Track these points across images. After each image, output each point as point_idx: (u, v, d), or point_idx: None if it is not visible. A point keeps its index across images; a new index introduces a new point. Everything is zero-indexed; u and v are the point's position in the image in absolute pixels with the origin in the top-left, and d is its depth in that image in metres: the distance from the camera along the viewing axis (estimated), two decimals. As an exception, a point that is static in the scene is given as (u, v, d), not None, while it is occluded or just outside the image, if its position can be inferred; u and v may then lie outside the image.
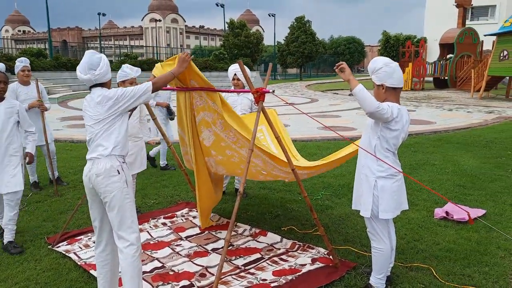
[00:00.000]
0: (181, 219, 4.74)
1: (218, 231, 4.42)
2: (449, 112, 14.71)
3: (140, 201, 5.40)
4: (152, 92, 2.93)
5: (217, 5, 46.75)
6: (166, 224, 4.59)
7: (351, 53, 56.35)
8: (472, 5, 27.36)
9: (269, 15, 49.44)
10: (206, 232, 4.39)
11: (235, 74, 5.24)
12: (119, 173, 2.85)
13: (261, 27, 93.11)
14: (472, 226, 4.44)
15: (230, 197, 5.61)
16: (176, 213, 4.93)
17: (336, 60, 43.34)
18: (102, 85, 2.88)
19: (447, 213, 4.75)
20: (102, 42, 74.59)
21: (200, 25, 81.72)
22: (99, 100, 2.81)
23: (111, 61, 28.79)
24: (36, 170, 6.12)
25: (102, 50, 51.50)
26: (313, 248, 3.92)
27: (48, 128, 5.99)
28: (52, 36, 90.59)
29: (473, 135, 10.09)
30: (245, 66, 3.40)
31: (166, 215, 4.83)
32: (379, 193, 3.02)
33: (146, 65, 27.05)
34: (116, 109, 2.82)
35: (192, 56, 3.10)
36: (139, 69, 4.69)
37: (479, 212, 4.84)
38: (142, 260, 3.70)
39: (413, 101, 18.70)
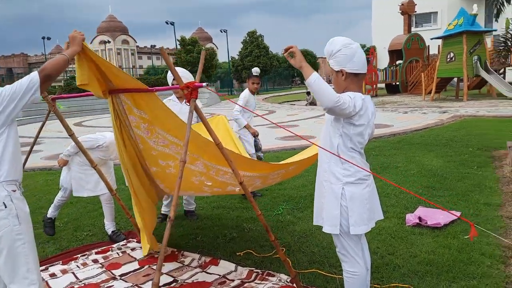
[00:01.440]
0: (117, 253, 3.96)
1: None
2: (405, 115, 14.67)
3: (70, 234, 4.57)
4: (43, 82, 2.21)
5: (167, 23, 45.94)
6: (98, 261, 3.79)
7: (305, 65, 56.73)
8: (415, 12, 28.21)
9: (221, 31, 49.23)
10: (146, 266, 3.64)
11: (174, 79, 4.59)
12: (5, 207, 2.13)
13: (214, 44, 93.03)
14: (449, 231, 3.97)
15: (178, 221, 4.87)
16: (112, 245, 4.14)
17: (290, 73, 43.50)
18: None
19: (420, 218, 4.27)
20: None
21: (152, 45, 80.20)
22: None
23: (60, 86, 27.26)
24: None
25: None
26: (273, 276, 3.28)
27: None
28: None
29: (432, 135, 9.90)
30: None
31: (99, 250, 4.04)
32: (348, 203, 2.44)
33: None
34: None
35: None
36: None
37: (454, 215, 4.39)
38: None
39: (368, 107, 18.65)
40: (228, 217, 4.88)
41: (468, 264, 3.33)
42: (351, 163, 2.40)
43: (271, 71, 43.17)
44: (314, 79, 2.26)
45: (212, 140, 2.59)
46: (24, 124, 17.07)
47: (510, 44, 7.49)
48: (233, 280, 3.27)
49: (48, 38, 59.26)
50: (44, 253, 4.03)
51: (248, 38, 42.03)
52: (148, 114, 2.79)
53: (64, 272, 3.58)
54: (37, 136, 3.79)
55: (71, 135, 3.42)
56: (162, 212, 4.92)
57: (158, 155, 3.09)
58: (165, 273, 3.47)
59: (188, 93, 2.43)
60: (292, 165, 3.41)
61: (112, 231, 4.39)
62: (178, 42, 39.05)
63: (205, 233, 4.39)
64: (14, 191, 2.19)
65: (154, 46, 77.06)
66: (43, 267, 3.65)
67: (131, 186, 3.37)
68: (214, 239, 4.23)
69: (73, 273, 3.56)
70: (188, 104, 2.49)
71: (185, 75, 4.59)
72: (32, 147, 3.78)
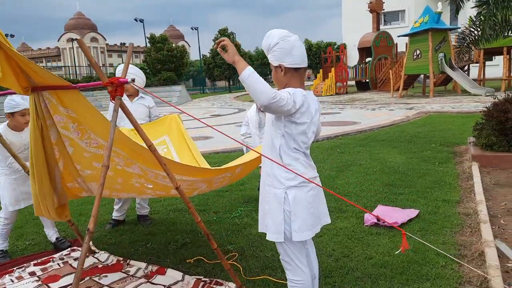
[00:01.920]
0: (58, 264, 3.68)
1: (104, 274, 3.43)
2: (372, 112, 14.76)
3: (11, 244, 4.24)
4: None
5: (136, 20, 45.04)
6: (35, 274, 3.51)
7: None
8: (383, 9, 28.55)
9: (192, 29, 48.57)
10: (87, 278, 3.38)
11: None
12: None
13: (186, 42, 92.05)
14: (406, 230, 3.89)
15: (130, 226, 4.62)
16: (54, 256, 3.86)
17: (263, 71, 43.38)
18: None
19: (378, 218, 4.17)
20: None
21: (122, 42, 78.23)
22: None
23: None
24: None
25: (13, 74, 47.25)
26: (221, 284, 3.09)
27: None
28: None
29: (397, 131, 9.94)
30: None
31: (39, 261, 3.75)
32: (291, 208, 2.27)
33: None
34: None
35: None
36: None
37: (412, 213, 4.33)
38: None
39: (338, 104, 18.74)
40: (182, 221, 4.66)
41: (422, 265, 3.24)
42: (289, 169, 2.25)
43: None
44: (248, 74, 2.08)
45: (145, 145, 2.37)
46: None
47: (469, 41, 7.51)
48: (178, 291, 3.07)
49: (12, 36, 57.01)
50: (-23, 266, 3.71)
51: (219, 35, 41.52)
52: (76, 113, 2.55)
53: (-4, 287, 3.29)
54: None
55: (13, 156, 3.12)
56: (113, 217, 4.65)
57: (92, 158, 2.85)
58: (106, 285, 3.24)
59: (113, 90, 2.20)
60: (237, 167, 3.23)
61: (56, 238, 4.10)
62: (147, 40, 38.25)
63: (157, 239, 4.16)
64: None
65: (124, 43, 75.27)
66: (-28, 283, 3.36)
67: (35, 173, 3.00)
68: (165, 245, 4.01)
69: (5, 287, 3.28)
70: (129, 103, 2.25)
71: (138, 74, 4.35)
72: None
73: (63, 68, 62.20)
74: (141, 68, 32.66)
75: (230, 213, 4.83)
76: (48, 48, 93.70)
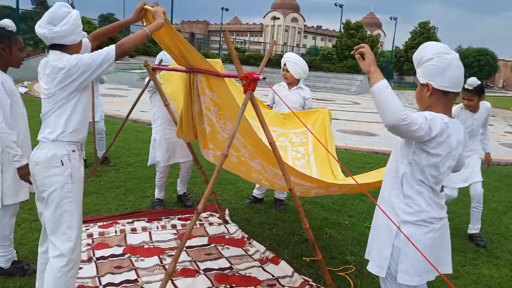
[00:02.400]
0: (196, 224, 4.14)
1: (227, 246, 3.71)
2: None
3: (169, 194, 4.94)
4: (118, 58, 2.31)
5: (335, 5, 45.43)
6: (176, 227, 4.02)
7: (481, 66, 50.20)
8: None
9: (391, 19, 46.52)
10: (213, 245, 3.72)
11: (284, 64, 4.48)
12: (62, 165, 2.31)
13: (382, 31, 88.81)
14: None
15: (266, 206, 4.85)
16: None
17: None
18: (62, 48, 2.30)
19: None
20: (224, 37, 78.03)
21: (318, 25, 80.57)
22: (49, 71, 2.26)
23: (223, 55, 29.37)
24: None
25: (221, 44, 53.73)
26: (325, 294, 3.01)
27: (98, 106, 5.84)
28: (183, 28, 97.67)
29: None
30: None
31: (182, 217, 4.27)
32: (401, 245, 2.03)
33: (253, 59, 27.29)
34: (68, 84, 2.26)
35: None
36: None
37: None
38: (121, 267, 3.19)
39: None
40: (315, 216, 4.65)
41: None
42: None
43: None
44: (381, 88, 1.89)
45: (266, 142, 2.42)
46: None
47: None
48: (283, 286, 3.10)
49: (227, 9, 64.23)
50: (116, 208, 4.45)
51: (418, 28, 38.88)
52: (218, 98, 2.75)
53: (144, 229, 3.90)
54: (133, 106, 4.26)
55: (167, 105, 3.61)
56: (253, 194, 4.95)
57: (223, 141, 3.06)
58: (226, 257, 3.50)
59: (246, 84, 2.29)
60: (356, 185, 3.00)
61: (184, 193, 4.75)
62: (342, 25, 38.33)
63: (283, 227, 4.27)
64: (74, 151, 2.37)
65: (320, 26, 77.34)
66: (130, 220, 4.05)
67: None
68: (288, 235, 4.08)
69: (149, 232, 3.85)
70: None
71: (299, 63, 4.45)
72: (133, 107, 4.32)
73: (262, 44, 67.50)
74: (327, 53, 33.11)
75: (364, 221, 4.60)
76: (254, 23, 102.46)
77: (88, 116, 2.48)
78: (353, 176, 2.23)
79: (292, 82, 4.58)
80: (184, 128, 3.38)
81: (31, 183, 2.76)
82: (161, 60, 4.13)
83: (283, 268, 3.36)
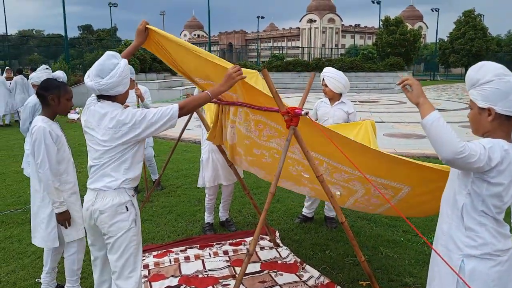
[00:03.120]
0: (247, 249, 4.13)
1: (280, 272, 3.67)
2: None
3: (216, 215, 4.98)
4: (179, 117, 2.36)
5: (373, 1, 44.49)
6: (228, 253, 4.04)
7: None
8: None
9: (432, 10, 44.89)
10: (266, 271, 3.69)
11: (323, 79, 4.40)
12: (127, 210, 2.41)
13: (424, 23, 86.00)
14: None
15: (316, 225, 4.77)
16: (246, 239, 4.34)
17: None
18: (110, 98, 2.40)
19: None
20: (261, 44, 78.69)
21: (356, 24, 79.19)
22: (112, 125, 2.33)
23: (261, 63, 29.46)
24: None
25: (259, 52, 54.13)
26: (386, 324, 2.89)
27: None
28: (220, 39, 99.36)
29: None
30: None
31: (233, 241, 4.29)
32: (467, 280, 1.91)
33: (292, 66, 27.19)
34: (132, 137, 2.33)
35: (242, 74, 2.41)
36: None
37: None
38: (177, 298, 3.24)
39: None
40: (368, 234, 4.51)
41: None
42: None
43: (486, 56, 37.30)
44: (433, 120, 1.80)
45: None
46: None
47: None
48: (341, 314, 3.02)
49: (262, 17, 64.71)
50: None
51: (463, 18, 37.16)
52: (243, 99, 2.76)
53: (197, 257, 3.94)
54: (182, 132, 4.36)
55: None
56: (302, 212, 4.88)
57: (251, 144, 3.07)
58: (280, 285, 3.46)
59: (288, 119, 2.25)
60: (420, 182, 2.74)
61: (226, 219, 4.74)
62: (381, 22, 37.43)
63: (336, 248, 4.17)
64: (133, 195, 2.47)
65: (358, 25, 75.95)
66: (183, 248, 4.11)
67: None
68: (343, 256, 3.98)
69: (202, 260, 3.89)
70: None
71: (339, 78, 4.36)
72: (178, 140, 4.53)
73: (299, 48, 67.25)
74: (368, 52, 32.40)
75: (419, 238, 4.40)
76: (290, 28, 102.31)
77: (141, 163, 2.54)
78: (390, 202, 2.11)
79: (333, 97, 4.49)
80: (216, 133, 3.47)
81: (66, 227, 2.92)
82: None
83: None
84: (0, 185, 6.37)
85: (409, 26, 38.90)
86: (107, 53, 2.37)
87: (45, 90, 2.93)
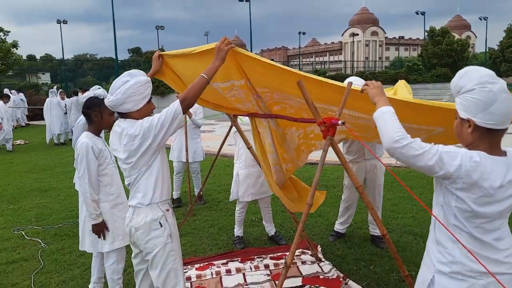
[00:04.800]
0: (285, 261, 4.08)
1: (322, 287, 3.60)
2: None
3: (260, 231, 4.98)
4: (184, 111, 2.33)
5: (417, 13, 43.54)
6: (269, 267, 4.01)
7: None
8: None
9: (480, 19, 43.26)
10: (307, 286, 3.62)
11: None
12: (161, 226, 2.43)
13: (472, 32, 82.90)
14: None
15: (360, 240, 4.64)
16: (287, 253, 4.29)
17: None
18: (125, 115, 2.45)
19: None
20: (303, 60, 78.89)
21: (400, 36, 77.61)
22: (126, 141, 2.38)
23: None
24: (180, 186, 6.39)
25: (301, 67, 54.27)
26: None
27: (193, 147, 6.14)
28: (263, 57, 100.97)
29: None
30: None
31: (274, 255, 4.26)
32: None
33: (334, 80, 26.91)
34: (147, 147, 2.35)
35: (231, 44, 2.33)
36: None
37: None
38: (218, 311, 3.24)
39: None
40: (415, 249, 4.32)
41: None
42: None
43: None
44: (381, 113, 1.83)
45: None
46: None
47: None
48: (385, 332, 2.90)
49: (304, 33, 64.96)
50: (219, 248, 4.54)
51: (513, 25, 35.46)
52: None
53: (238, 270, 3.94)
54: (221, 147, 4.39)
55: (249, 148, 3.68)
56: (335, 229, 4.74)
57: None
58: (321, 299, 3.39)
59: (325, 130, 2.23)
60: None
61: (275, 233, 4.72)
62: (426, 33, 36.47)
63: (381, 263, 4.03)
64: (168, 210, 2.49)
65: (402, 37, 74.37)
66: (224, 261, 4.13)
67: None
68: (388, 272, 3.84)
69: (243, 274, 3.88)
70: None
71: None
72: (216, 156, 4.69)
73: (342, 62, 66.75)
74: (413, 64, 31.60)
75: (473, 253, 4.16)
76: (333, 42, 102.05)
77: (169, 172, 2.57)
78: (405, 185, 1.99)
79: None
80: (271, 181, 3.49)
81: (103, 239, 3.06)
82: None
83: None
84: (54, 200, 6.72)
85: (456, 36, 37.63)
86: (125, 72, 2.46)
87: (88, 108, 3.11)
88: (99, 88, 5.29)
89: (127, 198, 2.64)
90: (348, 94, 2.25)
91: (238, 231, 4.70)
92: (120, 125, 2.45)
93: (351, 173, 2.32)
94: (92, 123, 3.13)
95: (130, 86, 2.35)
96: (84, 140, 3.02)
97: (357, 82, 4.29)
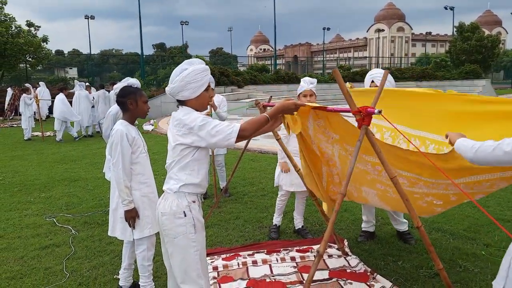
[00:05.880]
0: (314, 256, 4.07)
1: (349, 281, 3.56)
2: None
3: (286, 224, 4.98)
4: (237, 141, 2.31)
5: (445, 8, 42.43)
6: (295, 259, 4.01)
7: None
8: None
9: (513, 13, 41.82)
10: (334, 279, 3.60)
11: (372, 82, 4.20)
12: (185, 216, 2.42)
13: (504, 28, 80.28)
14: None
15: (387, 236, 4.57)
16: (313, 246, 4.28)
17: None
18: (182, 103, 2.49)
19: None
20: (327, 56, 78.16)
21: (427, 32, 75.77)
22: (176, 123, 2.42)
23: (327, 74, 29.17)
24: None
25: (324, 63, 53.75)
26: None
27: None
28: (286, 52, 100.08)
29: None
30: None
31: (300, 248, 4.25)
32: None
33: (359, 76, 26.64)
34: (189, 143, 2.37)
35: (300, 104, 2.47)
36: (315, 81, 4.40)
37: None
38: (245, 301, 3.26)
39: None
40: (444, 246, 4.24)
41: None
42: None
43: None
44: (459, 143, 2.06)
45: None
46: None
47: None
48: (415, 327, 2.86)
49: (328, 29, 64.37)
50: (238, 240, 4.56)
51: (549, 19, 34.22)
52: (337, 134, 2.71)
53: (264, 262, 3.95)
54: (248, 141, 4.38)
55: (278, 139, 3.67)
56: (363, 229, 4.61)
57: (373, 180, 2.99)
58: (350, 294, 3.36)
59: (360, 119, 2.20)
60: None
61: (302, 226, 4.73)
62: (455, 29, 35.55)
63: (410, 259, 3.97)
64: (194, 202, 2.47)
65: (430, 33, 72.61)
66: (250, 252, 4.15)
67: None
68: (417, 268, 3.78)
69: (270, 265, 3.89)
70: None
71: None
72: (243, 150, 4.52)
73: (367, 58, 65.83)
74: (441, 61, 30.86)
75: (505, 250, 4.03)
76: (357, 38, 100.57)
77: (205, 168, 2.54)
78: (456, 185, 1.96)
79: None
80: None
81: (132, 227, 3.12)
82: (271, 97, 4.24)
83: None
84: (83, 189, 6.89)
85: (486, 32, 36.54)
86: (185, 60, 2.49)
87: (123, 97, 3.17)
88: (129, 79, 5.38)
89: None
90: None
91: (276, 219, 4.77)
92: (178, 112, 2.47)
93: (386, 163, 2.28)
94: (127, 111, 3.18)
95: (188, 74, 2.39)
96: (119, 127, 3.08)
97: (378, 75, 4.23)
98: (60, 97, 12.33)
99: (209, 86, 2.50)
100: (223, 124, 2.32)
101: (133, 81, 3.26)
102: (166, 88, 2.48)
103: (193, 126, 2.32)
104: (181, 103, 2.51)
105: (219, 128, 2.29)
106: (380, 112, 2.16)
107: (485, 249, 4.13)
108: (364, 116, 2.21)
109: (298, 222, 4.74)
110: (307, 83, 4.28)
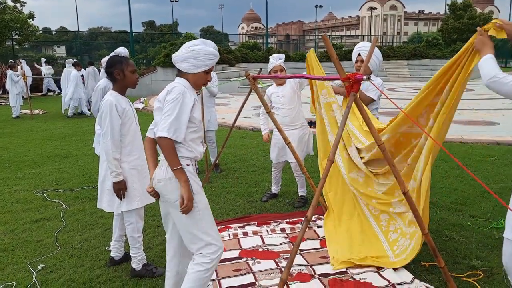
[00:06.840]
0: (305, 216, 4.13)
1: (338, 250, 3.63)
2: None
3: (275, 199, 5.03)
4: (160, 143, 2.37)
5: (438, -15, 42.02)
6: (285, 231, 4.06)
7: None
8: None
9: (505, -9, 41.61)
10: (325, 248, 3.66)
11: (359, 55, 4.14)
12: None
13: (495, 7, 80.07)
14: None
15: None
16: (302, 218, 4.34)
17: None
18: (179, 74, 2.51)
19: None
20: (319, 34, 77.54)
21: (420, 10, 75.34)
22: (162, 96, 2.46)
23: (319, 53, 28.96)
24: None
25: (317, 42, 53.35)
26: (450, 304, 2.76)
27: (207, 116, 6.16)
28: (278, 31, 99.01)
29: None
30: None
31: (290, 220, 4.30)
32: None
33: (351, 55, 26.42)
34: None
35: None
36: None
37: None
38: (239, 270, 3.32)
39: None
40: (431, 217, 4.26)
41: None
42: None
43: None
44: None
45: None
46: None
47: None
48: (401, 293, 2.94)
49: (320, 7, 63.54)
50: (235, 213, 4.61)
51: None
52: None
53: (255, 233, 4.01)
54: (237, 117, 4.39)
55: (269, 112, 3.67)
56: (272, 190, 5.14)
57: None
58: (342, 261, 3.43)
59: (349, 86, 2.19)
60: None
61: (301, 196, 4.89)
62: (447, 7, 35.39)
63: (398, 230, 4.04)
64: (188, 165, 2.45)
65: (422, 11, 72.14)
66: (241, 224, 4.20)
67: None
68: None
69: (261, 236, 3.94)
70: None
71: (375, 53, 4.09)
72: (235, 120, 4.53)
73: (359, 36, 65.44)
74: (433, 39, 30.77)
75: (490, 221, 4.15)
76: (350, 17, 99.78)
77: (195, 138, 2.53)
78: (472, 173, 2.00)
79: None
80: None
81: (121, 198, 3.11)
82: (261, 69, 4.24)
83: (401, 274, 3.18)
84: (73, 165, 6.86)
85: (478, 10, 36.43)
86: (201, 39, 2.53)
87: (110, 67, 3.10)
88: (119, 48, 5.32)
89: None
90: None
91: (272, 187, 5.13)
92: (171, 83, 2.49)
93: (373, 130, 2.29)
94: (116, 82, 3.13)
95: (195, 49, 2.41)
96: (108, 97, 3.04)
97: (365, 48, 4.19)
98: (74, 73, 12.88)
99: (209, 70, 2.50)
100: (170, 118, 2.33)
101: (120, 50, 3.18)
102: (173, 54, 2.47)
103: (167, 99, 2.38)
104: (178, 73, 2.51)
105: (170, 111, 2.34)
106: (369, 78, 2.16)
107: (470, 220, 4.22)
108: (353, 83, 2.21)
109: (301, 192, 4.93)
110: (275, 59, 4.53)
